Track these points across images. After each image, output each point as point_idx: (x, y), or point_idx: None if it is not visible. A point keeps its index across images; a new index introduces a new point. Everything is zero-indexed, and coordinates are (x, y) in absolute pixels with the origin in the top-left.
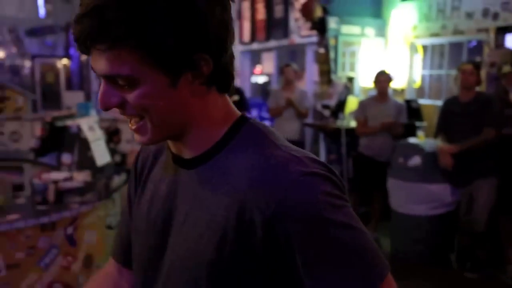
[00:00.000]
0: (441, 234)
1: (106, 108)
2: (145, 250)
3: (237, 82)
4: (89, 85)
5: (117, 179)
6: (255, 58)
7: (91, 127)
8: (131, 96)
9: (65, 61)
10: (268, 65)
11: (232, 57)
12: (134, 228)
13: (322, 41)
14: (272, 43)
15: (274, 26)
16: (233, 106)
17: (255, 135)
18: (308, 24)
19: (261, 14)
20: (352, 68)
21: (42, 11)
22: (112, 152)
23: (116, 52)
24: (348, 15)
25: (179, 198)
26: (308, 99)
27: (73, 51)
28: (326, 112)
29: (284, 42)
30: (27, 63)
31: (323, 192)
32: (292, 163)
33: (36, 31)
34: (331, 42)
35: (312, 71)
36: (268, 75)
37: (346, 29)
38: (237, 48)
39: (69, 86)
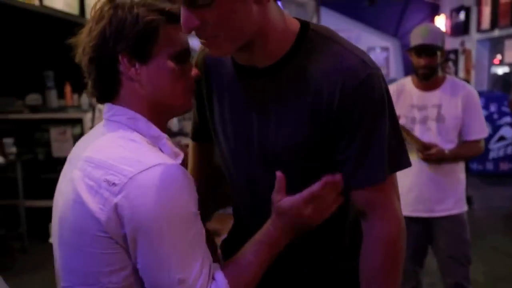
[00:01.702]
0: None
1: (189, 30)
2: (238, 152)
3: (473, 74)
4: None
5: None
6: (496, 46)
7: None
8: (211, 15)
9: None
10: (511, 54)
11: None
12: (221, 133)
13: None
14: None
15: None
16: (289, 14)
17: (322, 40)
18: None
19: None
20: None
21: None
22: None
23: None
24: None
25: (258, 104)
26: None
27: None
28: None
29: None
30: None
31: (384, 88)
32: (358, 63)
33: None
34: None
35: None
36: (511, 65)
37: None
38: (473, 37)
39: None
